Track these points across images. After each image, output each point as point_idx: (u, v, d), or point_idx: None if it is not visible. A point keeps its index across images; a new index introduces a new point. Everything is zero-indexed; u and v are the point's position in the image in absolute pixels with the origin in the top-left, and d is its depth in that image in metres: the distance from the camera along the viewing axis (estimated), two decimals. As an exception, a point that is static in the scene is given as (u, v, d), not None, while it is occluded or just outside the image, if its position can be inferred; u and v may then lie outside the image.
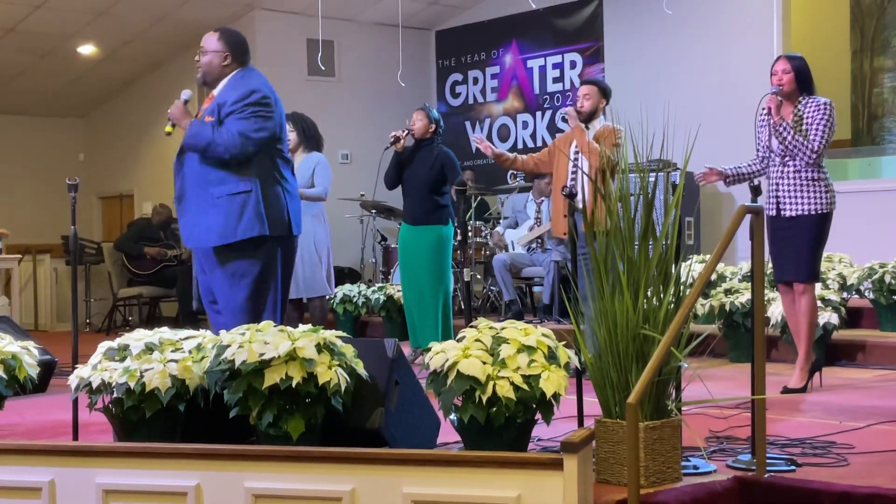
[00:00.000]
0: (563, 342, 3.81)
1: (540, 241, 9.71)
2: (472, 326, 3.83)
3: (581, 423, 4.15)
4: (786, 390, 5.69)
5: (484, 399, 3.55)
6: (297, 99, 9.98)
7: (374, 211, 10.50)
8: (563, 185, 6.01)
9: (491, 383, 3.55)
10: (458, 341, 3.74)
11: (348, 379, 3.74)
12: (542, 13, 11.63)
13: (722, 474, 3.62)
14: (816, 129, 5.57)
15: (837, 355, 6.92)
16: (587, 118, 6.49)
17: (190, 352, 4.02)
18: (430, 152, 7.23)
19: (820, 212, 5.60)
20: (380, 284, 9.50)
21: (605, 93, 6.58)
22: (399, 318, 8.71)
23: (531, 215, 10.05)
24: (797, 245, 5.62)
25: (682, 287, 3.58)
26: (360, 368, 3.83)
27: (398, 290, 8.78)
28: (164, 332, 4.16)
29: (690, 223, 9.84)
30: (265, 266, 4.90)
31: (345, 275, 11.09)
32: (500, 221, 10.69)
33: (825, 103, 5.63)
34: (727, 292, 7.20)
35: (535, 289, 10.35)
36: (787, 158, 5.63)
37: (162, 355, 3.98)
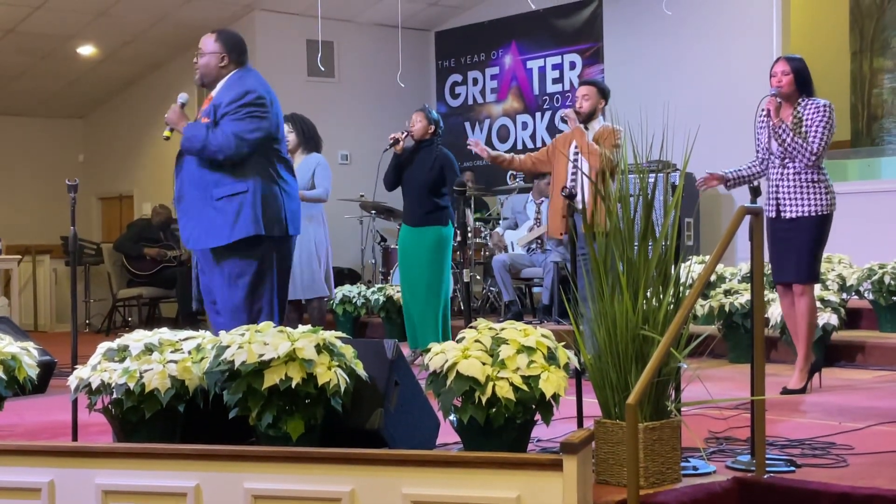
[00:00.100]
0: (563, 343, 3.81)
1: (539, 241, 9.71)
2: (471, 327, 3.83)
3: (580, 424, 4.15)
4: (785, 391, 5.69)
5: (483, 400, 3.55)
6: (296, 100, 9.98)
7: (373, 212, 10.50)
8: (562, 185, 6.01)
9: (490, 384, 3.55)
10: (457, 342, 3.74)
11: (348, 380, 3.74)
12: (541, 14, 11.63)
13: (721, 475, 3.62)
14: (816, 131, 5.57)
15: (837, 356, 6.92)
16: (586, 119, 6.50)
17: (189, 352, 4.02)
18: (430, 154, 7.23)
19: (820, 213, 5.60)
20: (379, 285, 9.50)
21: (603, 93, 6.59)
22: (398, 319, 8.71)
23: (531, 216, 10.05)
24: (797, 246, 5.62)
25: (681, 288, 3.58)
26: (360, 369, 3.84)
27: (398, 291, 8.78)
28: (164, 333, 4.16)
29: (690, 224, 9.83)
30: (262, 266, 4.90)
31: (344, 275, 11.09)
32: (500, 222, 10.69)
33: (825, 105, 5.63)
34: (727, 293, 7.21)
35: (535, 289, 10.35)
36: (786, 160, 5.63)
37: (161, 356, 3.98)
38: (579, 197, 6.09)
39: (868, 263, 7.59)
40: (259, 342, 3.69)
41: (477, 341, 3.70)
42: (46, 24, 11.08)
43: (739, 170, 5.86)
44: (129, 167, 13.58)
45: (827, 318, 6.54)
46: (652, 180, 3.68)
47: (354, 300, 9.37)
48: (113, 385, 3.92)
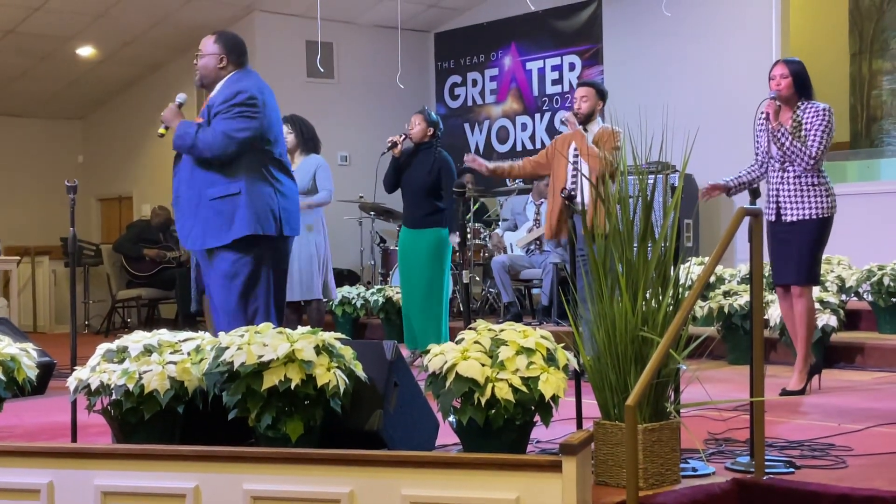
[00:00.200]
0: (562, 344, 3.81)
1: (538, 242, 9.71)
2: (470, 328, 3.83)
3: (580, 426, 4.15)
4: (784, 392, 5.69)
5: (483, 401, 3.55)
6: (296, 101, 9.98)
7: (372, 213, 10.50)
8: (561, 187, 6.01)
9: (490, 385, 3.55)
10: (456, 343, 3.74)
11: (347, 381, 3.74)
12: (540, 15, 11.63)
13: (721, 476, 3.62)
14: (815, 135, 5.57)
15: (836, 357, 6.93)
16: (584, 120, 6.51)
17: (189, 354, 4.02)
18: (429, 156, 7.23)
19: (821, 216, 5.60)
20: (378, 286, 9.50)
21: (601, 94, 6.61)
22: (398, 321, 8.71)
23: (530, 217, 10.05)
24: (797, 248, 5.62)
25: (680, 289, 3.58)
26: (359, 370, 3.83)
27: (397, 293, 8.78)
28: (163, 334, 4.16)
29: (689, 225, 9.84)
30: (257, 267, 4.91)
31: (344, 277, 11.09)
32: (500, 224, 10.69)
33: (824, 109, 5.62)
34: (726, 294, 7.21)
35: (534, 291, 10.35)
36: (786, 164, 5.63)
37: (161, 357, 3.97)
38: (579, 199, 6.09)
39: (867, 265, 7.60)
40: (258, 343, 3.69)
41: (476, 342, 3.70)
42: (46, 25, 11.08)
43: (739, 176, 5.85)
44: (128, 168, 13.58)
45: (826, 319, 6.54)
46: (651, 181, 3.68)
47: (354, 301, 9.37)
48: (112, 386, 3.92)
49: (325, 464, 3.30)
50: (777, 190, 5.68)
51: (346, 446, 3.49)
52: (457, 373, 3.58)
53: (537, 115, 12.03)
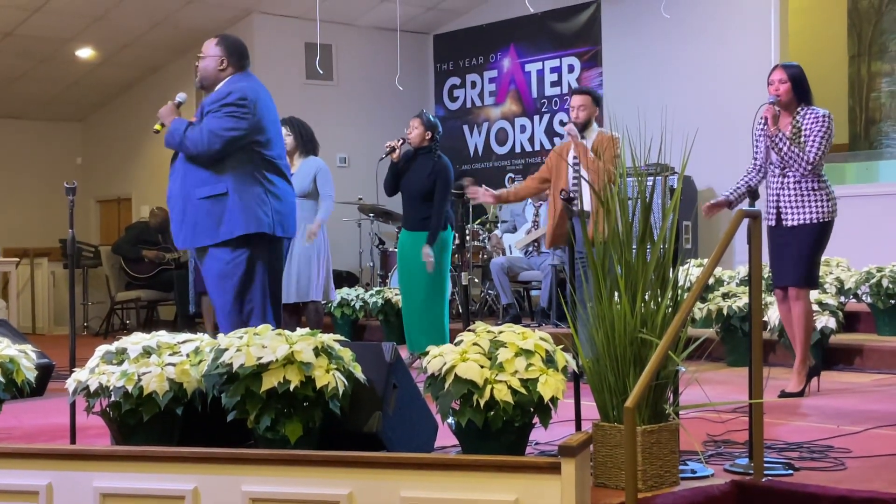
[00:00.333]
0: (561, 346, 3.81)
1: (537, 244, 9.71)
2: (469, 330, 3.83)
3: (579, 427, 4.15)
4: (783, 394, 5.69)
5: (482, 403, 3.55)
6: (295, 102, 9.99)
7: (371, 215, 10.50)
8: (561, 188, 6.01)
9: (489, 387, 3.55)
10: (455, 345, 3.74)
11: (346, 382, 3.74)
12: (539, 17, 11.63)
13: (719, 478, 3.62)
14: (813, 141, 5.57)
15: (835, 359, 6.93)
16: (582, 127, 6.55)
17: (188, 355, 4.02)
18: (428, 161, 7.23)
19: (821, 220, 5.60)
20: (377, 288, 9.50)
21: (597, 101, 6.69)
22: (397, 322, 8.71)
23: (529, 219, 10.05)
24: (796, 251, 5.62)
25: (679, 291, 3.59)
26: (358, 372, 3.84)
27: (396, 294, 8.78)
28: (162, 336, 4.16)
29: (688, 227, 9.84)
30: (249, 268, 4.93)
31: (343, 278, 11.09)
32: (499, 225, 10.70)
33: (823, 115, 5.61)
34: (725, 296, 7.21)
35: (533, 292, 10.35)
36: (786, 169, 5.63)
37: (160, 359, 3.98)
38: (585, 202, 6.10)
39: (866, 267, 7.60)
40: (257, 345, 3.69)
41: (475, 344, 3.70)
42: (45, 27, 11.08)
43: (738, 188, 5.83)
44: (127, 170, 13.58)
45: (825, 321, 6.54)
46: (650, 183, 3.68)
47: (353, 303, 9.37)
48: (111, 388, 3.92)
49: (324, 465, 3.30)
50: (777, 195, 5.68)
51: (344, 448, 3.49)
52: (456, 374, 3.59)
53: (536, 117, 12.04)
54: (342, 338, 3.91)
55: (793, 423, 4.90)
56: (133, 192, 13.55)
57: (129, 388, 3.88)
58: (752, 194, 4.71)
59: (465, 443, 3.74)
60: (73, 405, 4.39)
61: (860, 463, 3.90)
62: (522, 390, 3.55)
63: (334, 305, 9.32)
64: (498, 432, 3.59)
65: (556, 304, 8.96)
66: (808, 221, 5.59)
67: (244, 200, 4.88)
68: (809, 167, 5.56)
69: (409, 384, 4.06)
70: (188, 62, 11.81)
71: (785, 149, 5.56)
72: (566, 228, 4.86)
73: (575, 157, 6.46)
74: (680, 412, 3.61)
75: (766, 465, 3.65)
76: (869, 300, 7.55)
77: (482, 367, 3.60)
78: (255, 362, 3.63)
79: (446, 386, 3.61)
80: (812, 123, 5.60)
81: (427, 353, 3.78)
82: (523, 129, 12.18)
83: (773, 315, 6.48)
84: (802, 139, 5.61)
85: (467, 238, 9.71)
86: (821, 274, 7.26)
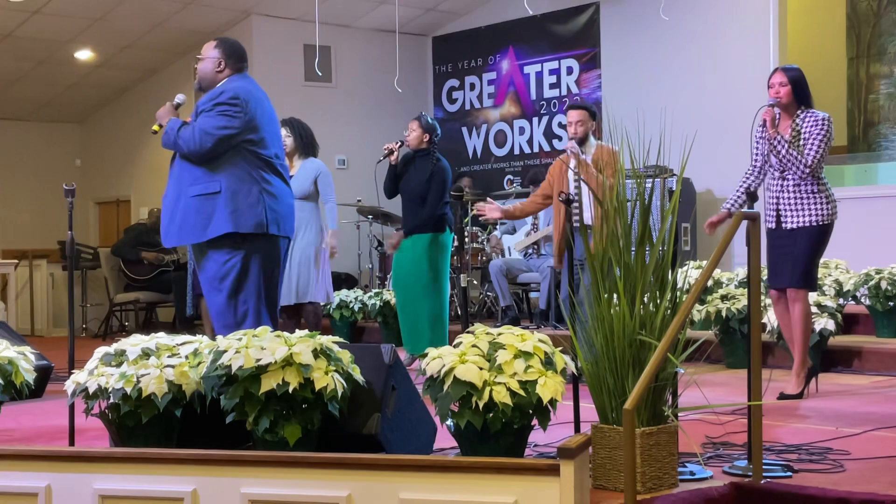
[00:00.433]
0: (560, 348, 3.81)
1: (536, 246, 9.71)
2: (468, 332, 3.83)
3: (577, 429, 4.15)
4: (782, 396, 5.69)
5: (480, 405, 3.55)
6: (293, 104, 9.99)
7: (370, 216, 10.50)
8: (560, 190, 6.03)
9: (487, 389, 3.55)
10: (454, 347, 3.74)
11: (345, 384, 3.74)
12: (538, 19, 11.64)
13: (718, 480, 3.62)
14: (812, 144, 5.57)
15: (834, 361, 6.93)
16: (581, 142, 6.60)
17: (186, 357, 4.01)
18: (427, 164, 7.23)
19: (821, 223, 5.60)
20: (376, 290, 9.50)
21: (593, 115, 6.80)
22: (395, 324, 8.70)
23: (528, 221, 10.06)
24: (795, 253, 5.62)
25: (678, 293, 3.59)
26: (357, 374, 3.83)
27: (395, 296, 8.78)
28: (161, 338, 4.16)
29: (687, 229, 9.85)
30: (245, 268, 4.94)
31: (341, 280, 11.09)
32: (498, 227, 10.70)
33: (823, 118, 5.62)
34: (723, 298, 7.21)
35: (532, 294, 10.36)
36: (785, 172, 5.63)
37: (158, 360, 3.97)
38: (587, 216, 6.12)
39: (865, 269, 7.60)
40: (256, 347, 3.69)
41: (474, 346, 3.70)
42: (44, 28, 11.09)
43: (738, 197, 5.82)
44: (126, 172, 13.58)
45: (824, 323, 6.54)
46: (649, 185, 3.68)
47: (351, 305, 9.37)
48: (110, 390, 3.92)
49: (322, 467, 3.30)
50: (777, 197, 5.68)
51: (343, 450, 3.49)
52: (455, 376, 3.59)
53: (535, 119, 12.04)
54: (341, 339, 3.91)
55: (792, 425, 4.90)
56: (132, 193, 13.55)
57: (128, 389, 3.87)
58: (751, 197, 4.71)
59: (463, 445, 3.74)
60: (71, 407, 4.39)
61: (859, 465, 3.90)
62: (521, 392, 3.55)
63: (333, 307, 9.32)
64: (497, 434, 3.59)
65: (554, 306, 8.96)
66: (807, 224, 5.59)
67: (237, 200, 4.89)
68: (808, 170, 5.56)
69: (407, 386, 4.06)
70: (187, 64, 11.82)
71: (783, 151, 5.57)
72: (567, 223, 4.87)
73: (575, 170, 6.48)
74: (679, 414, 3.61)
75: (764, 466, 3.65)
76: (868, 302, 7.55)
77: (481, 368, 3.60)
78: (253, 364, 3.63)
79: (445, 388, 3.61)
80: (811, 126, 5.60)
81: (425, 355, 3.78)
82: (522, 130, 12.18)
83: (771, 317, 6.48)
84: (802, 142, 5.61)
85: (466, 240, 9.71)
86: (820, 276, 7.27)
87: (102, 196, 14.08)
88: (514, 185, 11.54)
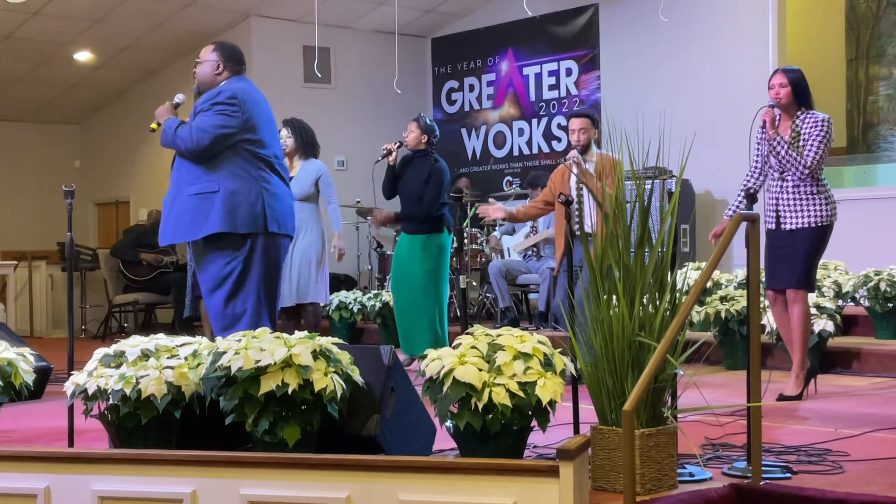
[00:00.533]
0: (559, 349, 3.81)
1: (536, 248, 9.71)
2: (467, 333, 3.83)
3: (577, 431, 4.15)
4: (781, 398, 5.69)
5: (480, 406, 3.55)
6: (293, 106, 9.98)
7: (369, 218, 10.49)
8: (559, 192, 6.03)
9: (487, 390, 3.55)
10: (454, 348, 3.74)
11: (344, 386, 3.74)
12: (537, 21, 11.65)
13: (717, 482, 3.62)
14: (811, 146, 5.57)
15: (833, 363, 6.93)
16: (583, 150, 6.61)
17: (186, 358, 4.01)
18: (425, 165, 7.24)
19: (820, 224, 5.60)
20: (375, 291, 9.50)
21: (595, 123, 6.82)
22: (395, 325, 8.70)
23: (527, 222, 10.05)
24: (794, 254, 5.62)
25: (677, 294, 3.59)
26: (356, 375, 3.83)
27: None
28: (160, 339, 4.16)
29: (686, 231, 9.85)
30: (244, 270, 4.95)
31: (341, 282, 11.09)
32: (497, 227, 10.71)
33: (823, 120, 5.62)
34: (723, 300, 7.21)
35: (531, 296, 10.36)
36: (785, 173, 5.64)
37: (158, 362, 3.97)
38: (587, 223, 6.12)
39: (864, 270, 7.61)
40: (255, 348, 3.69)
41: (473, 347, 3.70)
42: (43, 30, 11.09)
43: (741, 203, 5.80)
44: (125, 173, 13.58)
45: (823, 324, 6.54)
46: (648, 187, 3.68)
47: (351, 306, 9.37)
48: (109, 391, 3.92)
49: (322, 469, 3.30)
50: (776, 198, 5.68)
51: (343, 451, 3.49)
52: (454, 378, 3.59)
53: (534, 121, 12.05)
54: (340, 341, 3.91)
55: (791, 427, 4.90)
56: (131, 195, 13.55)
57: (128, 391, 3.87)
58: (751, 198, 4.71)
59: (463, 446, 3.74)
60: (71, 408, 4.39)
61: (858, 466, 3.91)
62: (521, 393, 3.55)
63: (332, 309, 9.32)
64: (496, 435, 3.59)
65: (553, 307, 8.96)
66: (806, 225, 5.60)
67: (235, 199, 4.90)
68: (807, 171, 5.56)
69: (407, 387, 4.06)
70: (186, 65, 11.81)
71: (783, 152, 5.57)
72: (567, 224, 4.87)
73: (578, 177, 6.48)
74: (678, 415, 3.62)
75: (764, 468, 3.65)
76: (867, 304, 7.56)
77: (480, 370, 3.60)
78: (253, 365, 3.63)
79: (444, 389, 3.61)
80: (811, 127, 5.61)
81: (425, 356, 3.78)
82: (521, 132, 12.18)
83: (771, 318, 6.48)
84: (801, 143, 5.61)
85: (465, 241, 9.71)
86: (819, 277, 7.27)
87: (102, 197, 14.08)
88: (513, 186, 11.54)
